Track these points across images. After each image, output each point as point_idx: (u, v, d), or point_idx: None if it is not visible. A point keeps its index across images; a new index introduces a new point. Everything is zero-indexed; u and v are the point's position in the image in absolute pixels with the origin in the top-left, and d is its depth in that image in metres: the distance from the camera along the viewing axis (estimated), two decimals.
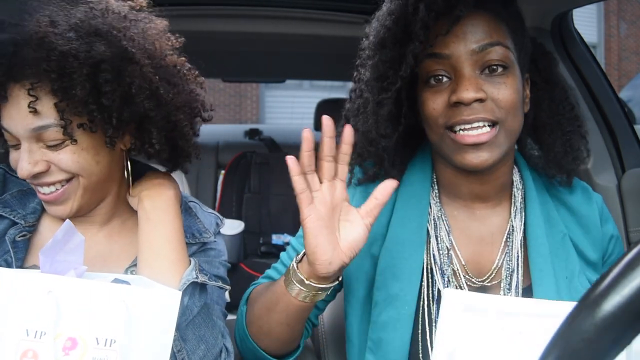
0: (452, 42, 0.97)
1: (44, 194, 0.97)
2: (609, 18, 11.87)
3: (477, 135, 0.95)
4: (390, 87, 0.99)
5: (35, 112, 0.89)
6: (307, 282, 0.95)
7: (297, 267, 0.97)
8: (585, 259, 1.10)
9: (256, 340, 1.09)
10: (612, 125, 1.69)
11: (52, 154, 0.94)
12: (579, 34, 1.77)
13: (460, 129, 0.97)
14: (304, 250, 0.97)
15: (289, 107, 9.65)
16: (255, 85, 10.00)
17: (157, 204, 1.02)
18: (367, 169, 1.11)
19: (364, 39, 1.14)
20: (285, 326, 1.04)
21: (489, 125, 0.96)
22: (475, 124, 0.96)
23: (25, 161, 0.92)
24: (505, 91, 0.97)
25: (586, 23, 11.36)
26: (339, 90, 8.17)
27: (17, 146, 0.96)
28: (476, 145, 0.96)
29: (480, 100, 0.95)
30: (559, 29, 1.71)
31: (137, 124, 0.99)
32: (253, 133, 4.00)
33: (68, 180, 0.97)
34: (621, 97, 2.72)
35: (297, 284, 0.96)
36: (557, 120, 1.12)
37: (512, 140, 1.02)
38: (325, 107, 3.90)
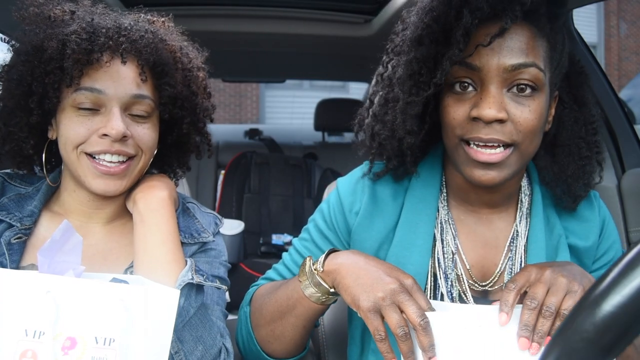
0: (486, 54, 0.92)
1: (107, 164, 0.98)
2: (609, 18, 11.87)
3: (489, 154, 0.94)
4: (422, 91, 0.97)
5: (145, 80, 1.00)
6: (331, 290, 0.97)
7: (320, 278, 0.97)
8: (578, 251, 1.09)
9: (263, 344, 1.09)
10: (612, 125, 1.69)
11: (135, 125, 1.01)
12: (579, 34, 1.76)
13: (474, 144, 0.96)
14: (323, 256, 0.99)
15: (289, 107, 9.65)
16: (255, 85, 10.00)
17: (151, 206, 1.02)
18: (385, 159, 1.10)
19: (399, 23, 1.09)
20: (301, 329, 1.05)
21: (503, 146, 0.95)
22: (490, 144, 0.94)
23: (120, 120, 0.97)
24: (529, 115, 0.93)
25: (586, 23, 11.36)
26: (339, 90, 8.17)
27: (93, 111, 0.98)
28: (487, 164, 0.95)
29: (500, 121, 0.92)
30: None
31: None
32: (253, 133, 4.01)
33: (130, 158, 1.01)
34: (621, 96, 2.71)
35: (314, 288, 0.98)
36: (577, 143, 1.09)
37: (524, 162, 0.99)
38: (325, 107, 3.90)
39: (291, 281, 1.04)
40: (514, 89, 0.94)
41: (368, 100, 1.14)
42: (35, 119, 1.00)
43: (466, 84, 0.96)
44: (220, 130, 4.02)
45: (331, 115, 3.73)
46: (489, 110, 0.91)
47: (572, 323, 0.51)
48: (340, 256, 0.97)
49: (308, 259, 1.01)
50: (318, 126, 3.92)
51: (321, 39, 2.44)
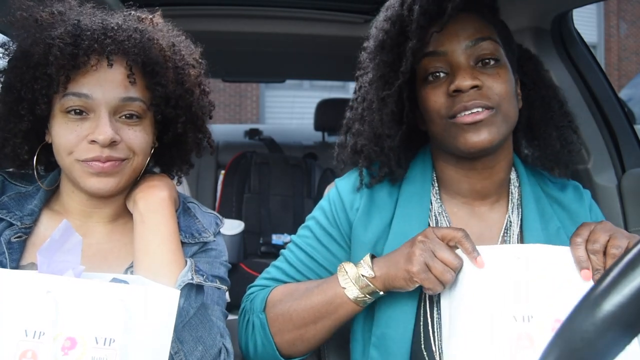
0: (446, 39, 1.04)
1: (100, 164, 0.97)
2: (609, 18, 11.86)
3: (475, 114, 1.01)
4: (392, 83, 1.05)
5: (134, 82, 0.98)
6: (381, 293, 1.03)
7: (372, 283, 1.03)
8: None
9: (285, 347, 1.12)
10: (612, 125, 1.69)
11: (125, 129, 0.99)
12: (579, 34, 1.77)
13: (460, 115, 1.02)
14: (369, 261, 1.04)
15: (289, 107, 9.65)
16: (255, 85, 9.99)
17: (151, 206, 1.02)
18: (374, 170, 1.15)
19: (361, 52, 1.18)
20: (334, 330, 1.09)
21: (486, 109, 1.01)
22: (475, 110, 1.01)
23: (108, 126, 0.95)
24: (500, 81, 1.03)
25: (586, 23, 11.36)
26: (339, 90, 8.17)
27: (82, 116, 0.97)
28: (475, 125, 1.00)
29: (477, 87, 1.01)
30: (559, 29, 1.71)
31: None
32: (253, 133, 4.01)
33: (122, 160, 1.00)
34: (621, 96, 2.72)
35: (361, 292, 1.03)
36: (550, 116, 1.18)
37: (509, 126, 1.06)
38: (325, 107, 3.90)
39: (327, 286, 1.07)
40: (480, 64, 1.04)
41: (345, 127, 1.21)
42: (26, 126, 0.99)
43: (437, 73, 1.05)
44: (220, 130, 4.02)
45: (331, 115, 3.73)
46: (464, 80, 1.00)
47: (572, 323, 0.51)
48: (383, 259, 1.04)
49: (348, 265, 1.06)
50: (318, 126, 3.92)
51: (321, 39, 2.44)
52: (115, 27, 0.99)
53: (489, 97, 1.01)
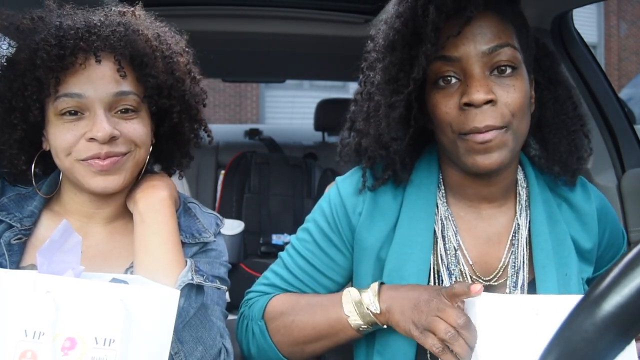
0: (461, 44, 0.96)
1: (100, 161, 0.96)
2: (609, 18, 11.86)
3: (484, 134, 0.95)
4: (402, 89, 0.99)
5: (124, 76, 0.97)
6: (383, 326, 1.01)
7: (376, 318, 1.01)
8: (581, 250, 1.10)
9: (285, 355, 1.12)
10: (612, 125, 1.69)
11: (123, 123, 0.99)
12: (579, 34, 1.77)
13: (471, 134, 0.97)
14: (375, 296, 1.00)
15: (289, 107, 9.66)
16: (255, 85, 10.00)
17: (151, 206, 1.02)
18: (378, 172, 1.11)
19: (369, 42, 1.13)
20: (333, 347, 1.09)
21: (498, 129, 0.96)
22: (486, 131, 0.96)
23: (105, 122, 0.95)
24: (514, 94, 0.96)
25: (586, 23, 11.36)
26: (339, 90, 8.17)
27: (77, 116, 0.96)
28: (485, 145, 0.96)
29: (491, 102, 0.95)
30: (559, 29, 1.71)
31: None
32: (253, 133, 4.01)
33: (124, 154, 0.99)
34: (621, 96, 2.72)
35: (364, 322, 1.02)
36: (562, 119, 1.12)
37: (520, 143, 1.02)
38: (325, 107, 3.90)
39: (331, 308, 1.05)
40: (495, 72, 0.97)
41: (348, 121, 1.17)
42: (20, 135, 0.99)
43: (449, 77, 0.99)
44: (220, 130, 4.02)
45: (331, 115, 3.73)
46: (477, 94, 0.94)
47: (572, 323, 0.51)
48: (390, 294, 1.01)
49: (352, 292, 1.03)
50: (318, 126, 3.92)
51: (321, 39, 2.44)
52: (99, 24, 0.98)
53: (502, 114, 0.95)
